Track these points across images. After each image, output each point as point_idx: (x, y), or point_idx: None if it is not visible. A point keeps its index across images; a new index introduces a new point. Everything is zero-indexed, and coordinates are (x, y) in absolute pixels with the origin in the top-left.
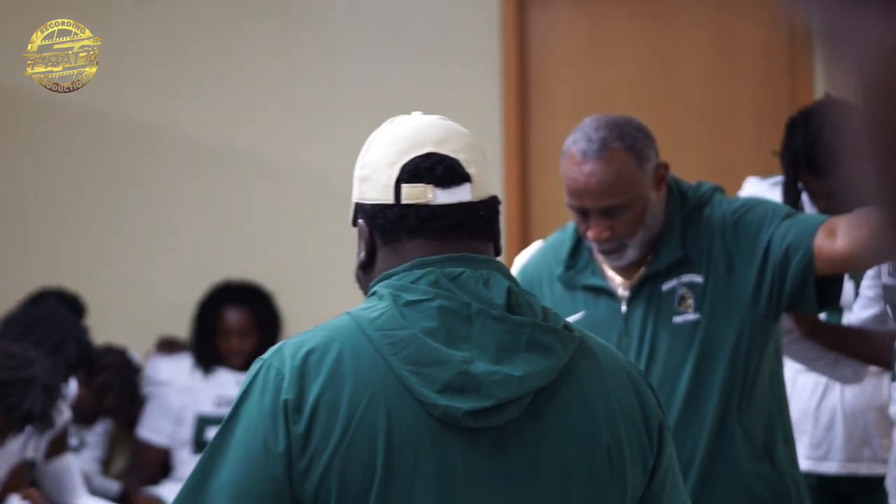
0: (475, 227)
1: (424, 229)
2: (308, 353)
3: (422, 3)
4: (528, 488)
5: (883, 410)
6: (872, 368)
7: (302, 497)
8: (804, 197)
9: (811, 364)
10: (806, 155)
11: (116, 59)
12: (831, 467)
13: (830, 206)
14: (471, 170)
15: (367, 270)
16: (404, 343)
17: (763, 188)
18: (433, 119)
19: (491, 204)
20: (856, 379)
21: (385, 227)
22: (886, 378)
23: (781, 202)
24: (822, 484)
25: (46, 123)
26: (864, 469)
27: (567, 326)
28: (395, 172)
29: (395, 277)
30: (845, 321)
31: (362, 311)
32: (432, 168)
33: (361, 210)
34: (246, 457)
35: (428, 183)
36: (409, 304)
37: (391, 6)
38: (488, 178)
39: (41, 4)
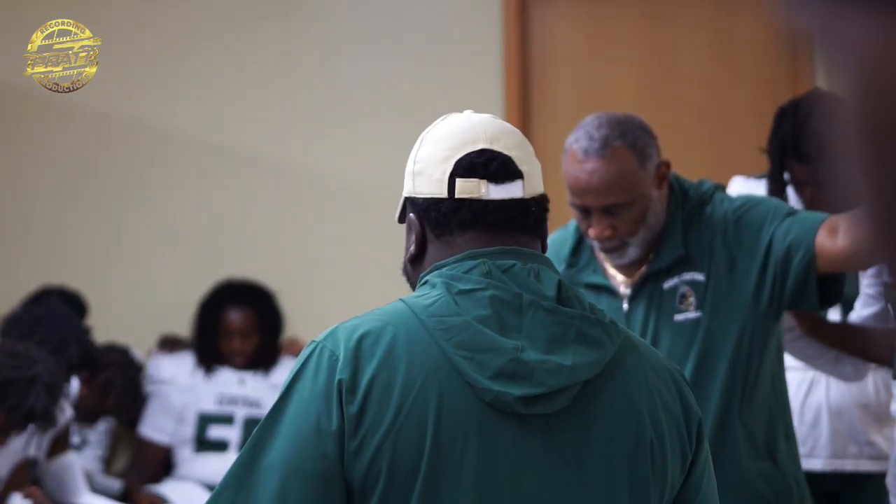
0: (526, 222)
1: (477, 223)
2: (363, 336)
3: (422, 3)
4: (573, 478)
5: (868, 407)
6: (873, 366)
7: (352, 477)
8: (790, 188)
9: (812, 362)
10: (794, 142)
11: (118, 59)
12: (817, 464)
13: (816, 194)
14: (523, 167)
15: (415, 264)
16: (458, 329)
17: (749, 186)
18: (486, 117)
19: (541, 202)
20: (857, 377)
21: (438, 221)
22: (871, 375)
23: (767, 194)
24: (808, 481)
25: (48, 123)
26: (849, 465)
27: (613, 322)
28: (449, 167)
29: (446, 268)
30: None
31: (416, 299)
32: (486, 164)
33: (413, 204)
34: (298, 435)
35: (482, 178)
36: (462, 292)
37: (392, 6)
38: (538, 177)
39: (41, 4)
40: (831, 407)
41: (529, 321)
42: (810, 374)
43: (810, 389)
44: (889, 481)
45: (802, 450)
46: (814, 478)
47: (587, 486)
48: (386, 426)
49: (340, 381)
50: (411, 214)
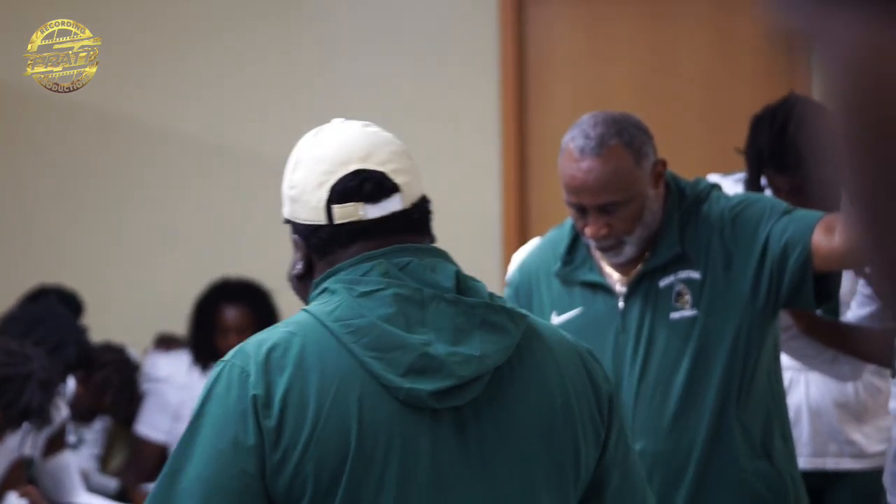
0: (410, 227)
1: (357, 241)
2: (271, 350)
3: (420, 4)
4: (489, 469)
5: (847, 406)
6: (870, 366)
7: (276, 490)
8: (767, 192)
9: (809, 361)
10: (770, 151)
11: (118, 58)
12: (798, 462)
13: (793, 202)
14: (399, 179)
15: (303, 280)
16: (364, 331)
17: (725, 185)
18: (357, 130)
19: (422, 205)
20: (853, 376)
21: (318, 246)
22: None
23: None
24: None
25: (47, 122)
26: (830, 464)
27: (515, 308)
28: (324, 194)
29: (343, 272)
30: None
31: (318, 307)
32: (360, 186)
33: (294, 226)
34: (215, 454)
35: (358, 201)
36: (363, 294)
37: (390, 7)
38: (417, 182)
39: (41, 4)
40: (811, 406)
41: (433, 314)
42: (789, 373)
43: (790, 389)
44: (886, 479)
45: None
46: None
47: (504, 476)
48: (306, 436)
49: (255, 396)
50: (295, 236)
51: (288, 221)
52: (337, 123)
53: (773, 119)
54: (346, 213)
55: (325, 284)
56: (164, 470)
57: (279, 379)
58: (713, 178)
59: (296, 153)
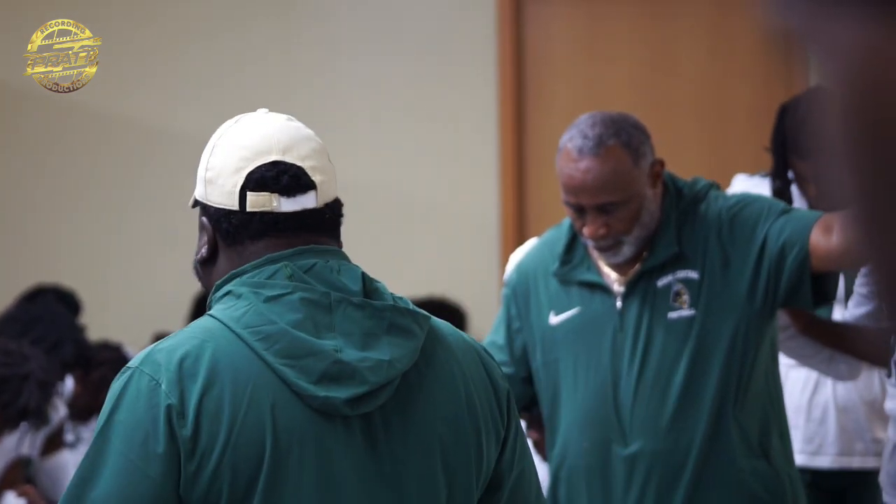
0: (320, 227)
1: (267, 233)
2: (182, 358)
3: (419, 4)
4: (398, 471)
5: (874, 404)
6: (867, 365)
7: (192, 498)
8: (794, 185)
9: (806, 361)
10: (795, 138)
11: (117, 58)
12: (824, 461)
13: (819, 191)
14: (316, 177)
15: (206, 266)
16: (275, 338)
17: (752, 184)
18: (281, 122)
19: (335, 207)
20: (850, 376)
21: (228, 231)
22: (877, 372)
23: (770, 191)
24: (815, 480)
25: (45, 121)
26: (856, 463)
27: (418, 309)
28: (240, 180)
29: (247, 275)
30: (837, 317)
31: (225, 311)
32: (277, 177)
33: (205, 209)
34: (126, 464)
35: (273, 192)
36: (270, 299)
37: (389, 6)
38: (332, 183)
39: (41, 4)
40: (838, 404)
41: (340, 319)
42: (815, 373)
43: (817, 387)
44: (882, 478)
45: (810, 447)
46: (821, 476)
47: (412, 480)
48: (221, 444)
49: (169, 406)
50: (203, 218)
51: (197, 204)
52: (261, 113)
53: (798, 106)
54: (259, 201)
55: (228, 287)
56: (73, 480)
57: (192, 387)
58: (739, 178)
59: (215, 137)
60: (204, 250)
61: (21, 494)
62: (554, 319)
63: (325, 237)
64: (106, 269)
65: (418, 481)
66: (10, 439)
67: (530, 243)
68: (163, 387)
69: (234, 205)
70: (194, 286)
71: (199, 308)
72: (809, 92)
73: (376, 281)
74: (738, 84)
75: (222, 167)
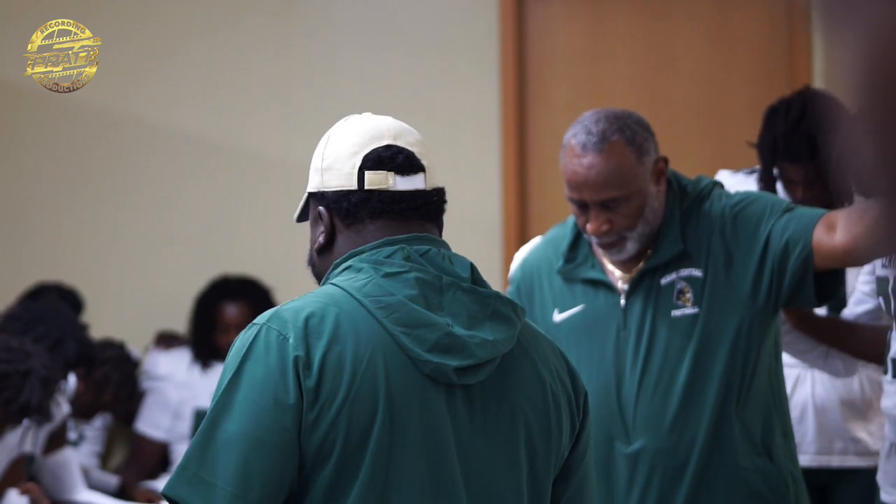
0: (429, 211)
1: (385, 212)
2: (308, 317)
3: (420, 2)
4: (492, 442)
5: (853, 404)
6: (863, 362)
7: (308, 447)
8: (779, 186)
9: (802, 356)
10: (785, 142)
11: (116, 56)
12: (804, 460)
13: (807, 194)
14: (424, 162)
15: (323, 254)
16: (394, 308)
17: (736, 181)
18: (387, 118)
19: (441, 193)
20: (847, 373)
21: (348, 211)
22: (858, 372)
23: (756, 189)
24: None
25: (46, 119)
26: (835, 461)
27: (516, 302)
28: (358, 161)
29: (366, 254)
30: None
31: (347, 282)
32: (393, 157)
33: (322, 198)
34: (256, 409)
35: (389, 170)
36: (388, 275)
37: (390, 4)
38: (436, 172)
39: (41, 3)
40: (816, 404)
41: (450, 300)
42: (796, 371)
43: (796, 386)
44: (879, 477)
45: None
46: (802, 473)
47: (501, 453)
48: (341, 397)
49: (297, 357)
50: (320, 208)
51: (310, 197)
52: (367, 114)
53: (788, 110)
54: (377, 179)
55: (349, 262)
56: (203, 425)
57: (318, 343)
58: (723, 174)
59: (327, 135)
60: (321, 237)
61: (24, 492)
62: (558, 317)
63: (432, 224)
64: (108, 268)
65: (504, 456)
66: (13, 436)
67: (535, 241)
68: (290, 340)
69: (353, 185)
70: (196, 284)
71: (202, 306)
72: (800, 94)
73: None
74: (740, 83)
75: (339, 154)
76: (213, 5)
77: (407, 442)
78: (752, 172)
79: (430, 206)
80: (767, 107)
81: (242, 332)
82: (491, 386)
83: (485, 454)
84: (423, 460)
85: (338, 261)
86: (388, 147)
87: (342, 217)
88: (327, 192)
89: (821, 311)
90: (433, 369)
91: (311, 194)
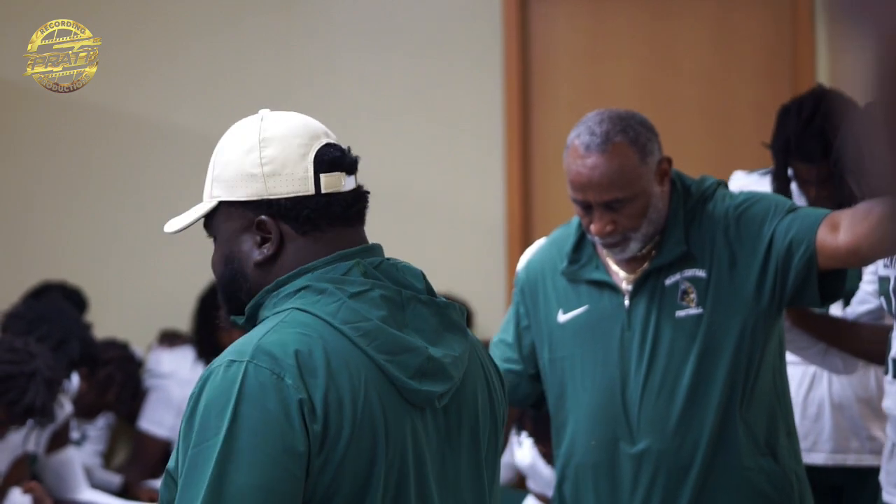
0: (363, 213)
1: (343, 217)
2: (297, 353)
3: (423, 1)
4: (459, 456)
5: (870, 402)
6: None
7: (315, 493)
8: (793, 185)
9: (801, 353)
10: (798, 141)
11: (119, 55)
12: (819, 458)
13: (820, 193)
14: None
15: (263, 268)
16: (374, 334)
17: (751, 181)
18: (300, 115)
19: (367, 192)
20: (846, 370)
21: (308, 218)
22: (873, 370)
23: (771, 192)
24: (812, 476)
25: (49, 118)
26: (851, 460)
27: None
28: (310, 164)
29: (321, 271)
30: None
31: (316, 306)
32: (343, 157)
33: (267, 206)
34: (265, 459)
35: (341, 171)
36: (354, 295)
37: (391, 4)
38: None
39: (41, 2)
40: (833, 401)
41: (412, 316)
42: (812, 368)
43: (813, 384)
44: (882, 477)
45: (805, 444)
46: (817, 472)
47: (467, 467)
48: (345, 439)
49: (300, 400)
50: (262, 217)
51: (230, 206)
52: (269, 111)
53: (801, 109)
54: (332, 182)
55: (302, 282)
56: (209, 477)
57: (315, 382)
58: (738, 174)
59: (249, 136)
60: (267, 249)
61: (27, 491)
62: (562, 317)
63: (363, 226)
64: (111, 267)
65: (470, 468)
66: (16, 436)
67: (539, 243)
68: (288, 381)
69: (309, 189)
70: (200, 284)
71: (205, 306)
72: (812, 93)
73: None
74: (743, 83)
75: (285, 157)
76: (213, 5)
77: (405, 472)
78: (766, 173)
79: (365, 207)
80: (781, 106)
81: (219, 368)
82: (453, 401)
83: (454, 473)
84: (415, 489)
85: (283, 278)
86: (329, 146)
87: (298, 225)
88: (276, 200)
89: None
90: (423, 397)
91: (235, 203)
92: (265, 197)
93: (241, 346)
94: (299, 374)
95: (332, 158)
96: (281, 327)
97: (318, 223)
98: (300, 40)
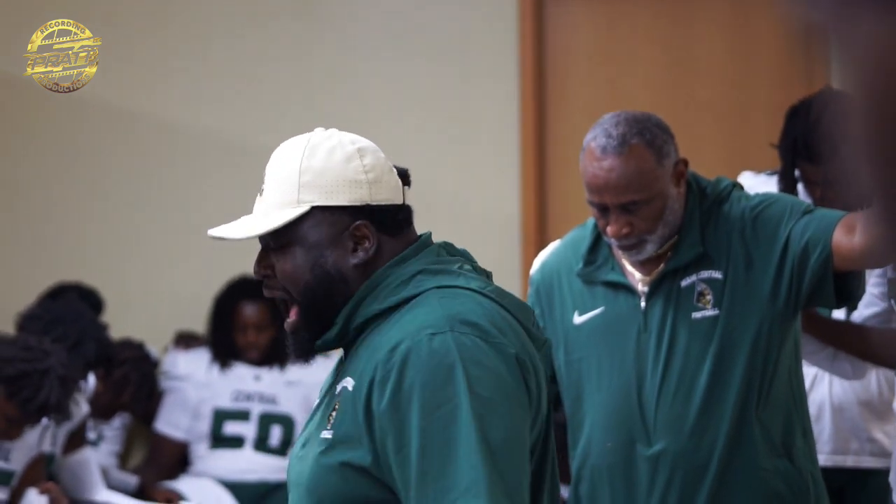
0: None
1: (411, 218)
2: (485, 317)
3: (440, 4)
4: None
5: (870, 404)
6: (871, 365)
7: (532, 446)
8: (800, 186)
9: (810, 357)
10: (805, 142)
11: (139, 57)
12: (819, 459)
13: (826, 194)
14: None
15: (359, 270)
16: (503, 296)
17: (758, 182)
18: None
19: None
20: (855, 375)
21: (398, 221)
22: (875, 372)
23: (777, 191)
24: None
25: (67, 119)
26: (850, 462)
27: None
28: (395, 175)
29: (420, 257)
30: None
31: (456, 280)
32: (405, 172)
33: (362, 211)
34: (512, 414)
35: (406, 185)
36: (462, 270)
37: (410, 6)
38: None
39: (68, 3)
40: (833, 403)
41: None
42: (813, 370)
43: (813, 385)
44: (892, 479)
45: None
46: None
47: None
48: (535, 394)
49: (516, 357)
50: (359, 222)
51: (325, 210)
52: (331, 130)
53: (809, 110)
54: (406, 193)
55: (414, 267)
56: (475, 441)
57: (510, 340)
58: (745, 175)
59: (342, 146)
60: (366, 251)
61: (43, 491)
62: (578, 319)
63: None
64: (127, 268)
65: None
66: (32, 436)
67: (552, 246)
68: (496, 341)
69: (399, 198)
70: (215, 284)
71: (220, 306)
72: (821, 94)
73: None
74: (758, 84)
75: (382, 166)
76: (234, 8)
77: (548, 420)
78: (773, 174)
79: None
80: (789, 107)
81: (420, 343)
82: None
83: None
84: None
85: (384, 271)
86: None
87: (387, 227)
88: (379, 205)
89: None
90: (547, 346)
91: (332, 208)
92: (367, 202)
93: (429, 321)
94: (500, 334)
95: (403, 173)
96: (448, 301)
97: (404, 231)
98: (319, 44)
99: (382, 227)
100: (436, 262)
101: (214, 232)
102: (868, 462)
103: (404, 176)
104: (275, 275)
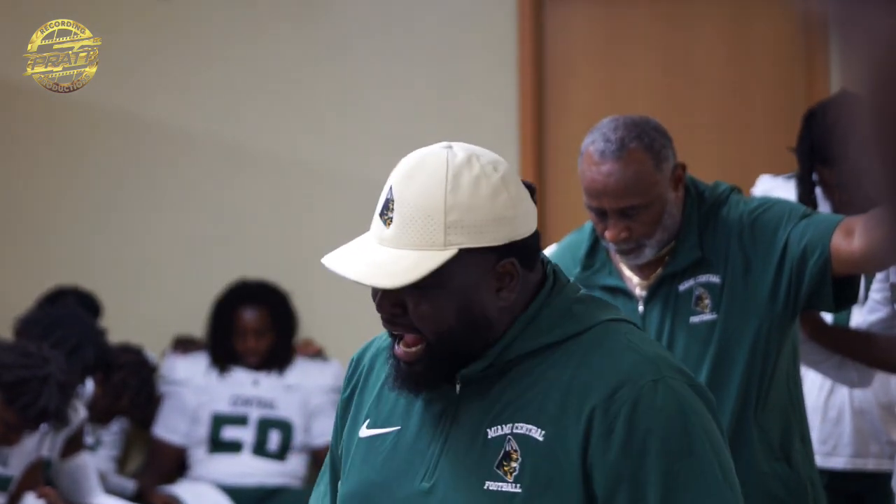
0: None
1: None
2: (678, 362)
3: (439, 4)
4: None
5: (890, 407)
6: (878, 372)
7: None
8: (818, 189)
9: (816, 366)
10: (821, 145)
11: (138, 60)
12: (839, 462)
13: (843, 197)
14: None
15: (505, 310)
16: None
17: (777, 184)
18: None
19: None
20: (861, 383)
21: (535, 251)
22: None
23: (796, 196)
24: (832, 482)
25: (66, 123)
26: (871, 465)
27: None
28: (531, 200)
29: (562, 287)
30: (852, 323)
31: (618, 313)
32: (534, 189)
33: (511, 249)
34: (726, 449)
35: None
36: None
37: (409, 7)
38: None
39: (59, 4)
40: (854, 406)
41: None
42: None
43: (833, 388)
44: (895, 483)
45: (825, 448)
46: (838, 479)
47: None
48: None
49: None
50: (505, 260)
51: (471, 253)
52: (457, 144)
53: (825, 113)
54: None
55: (566, 301)
56: (718, 480)
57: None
58: (763, 178)
59: (487, 177)
60: (510, 291)
61: (41, 496)
62: None
63: None
64: (126, 272)
65: None
66: (31, 441)
67: (550, 250)
68: (697, 383)
69: (535, 224)
70: (213, 289)
71: (219, 311)
72: (838, 97)
73: None
74: (758, 89)
75: (521, 195)
76: (234, 10)
77: None
78: (791, 177)
79: None
80: (807, 109)
81: (646, 389)
82: None
83: None
84: None
85: (540, 304)
86: None
87: (525, 260)
88: (523, 239)
89: (827, 317)
90: None
91: (479, 249)
92: (513, 239)
93: (638, 366)
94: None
95: (531, 188)
96: (635, 340)
97: (538, 253)
98: (318, 47)
99: (524, 260)
100: (574, 288)
101: (346, 273)
102: (888, 465)
103: (532, 193)
104: (405, 313)
